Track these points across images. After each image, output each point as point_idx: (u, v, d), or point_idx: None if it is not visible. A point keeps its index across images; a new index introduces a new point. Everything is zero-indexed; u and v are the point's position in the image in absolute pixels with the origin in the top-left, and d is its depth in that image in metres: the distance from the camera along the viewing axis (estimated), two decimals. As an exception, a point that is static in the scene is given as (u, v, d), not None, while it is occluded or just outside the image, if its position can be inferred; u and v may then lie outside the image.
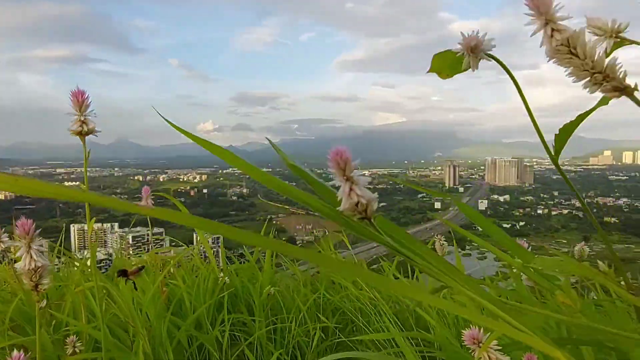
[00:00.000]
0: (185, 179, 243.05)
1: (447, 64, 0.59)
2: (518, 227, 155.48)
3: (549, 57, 0.53)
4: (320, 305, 1.85)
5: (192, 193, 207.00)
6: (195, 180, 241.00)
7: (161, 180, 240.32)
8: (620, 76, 0.60)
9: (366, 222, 0.52)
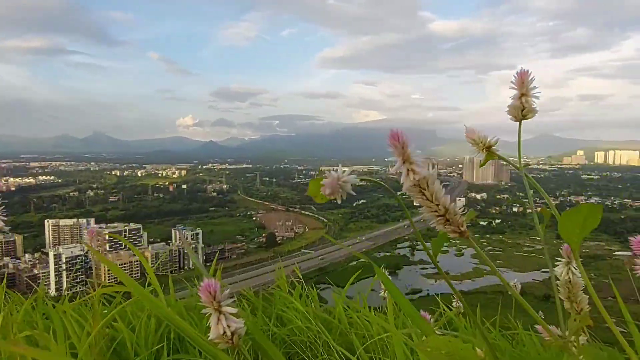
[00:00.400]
0: (164, 174, 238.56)
1: (320, 191, 0.60)
2: (494, 224, 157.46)
3: (405, 191, 0.55)
4: (269, 338, 1.76)
5: (171, 188, 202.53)
6: (174, 176, 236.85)
7: (139, 175, 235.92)
8: (459, 221, 0.57)
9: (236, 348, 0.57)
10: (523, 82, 1.01)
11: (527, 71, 1.11)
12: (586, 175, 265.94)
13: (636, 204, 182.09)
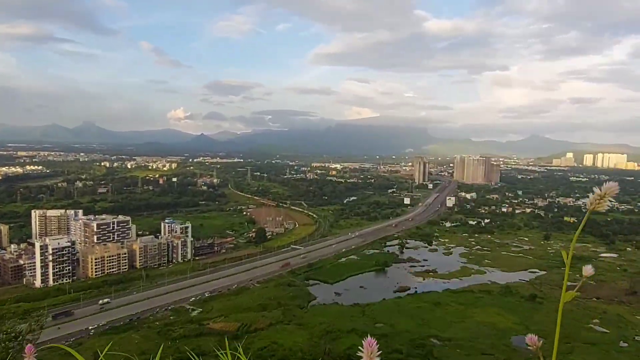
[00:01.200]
0: (154, 167, 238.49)
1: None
2: (483, 224, 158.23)
3: None
4: None
5: (161, 181, 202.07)
6: (165, 168, 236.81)
7: (129, 167, 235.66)
8: None
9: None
10: (370, 353, 1.08)
11: (374, 342, 1.19)
12: (574, 177, 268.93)
13: (622, 206, 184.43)
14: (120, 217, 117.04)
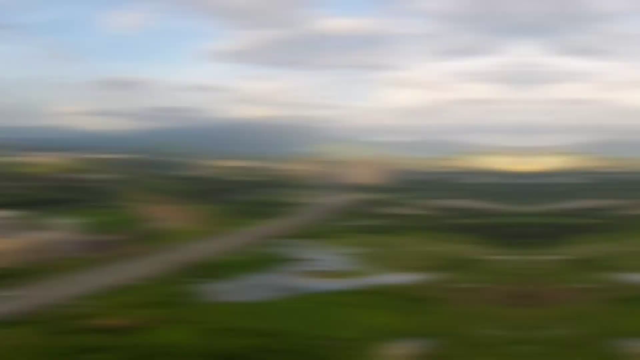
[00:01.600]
0: (43, 162, 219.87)
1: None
2: (376, 225, 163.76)
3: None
4: None
5: (50, 176, 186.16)
6: (54, 164, 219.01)
7: (16, 161, 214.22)
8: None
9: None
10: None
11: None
12: (465, 179, 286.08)
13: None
14: (5, 213, 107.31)
